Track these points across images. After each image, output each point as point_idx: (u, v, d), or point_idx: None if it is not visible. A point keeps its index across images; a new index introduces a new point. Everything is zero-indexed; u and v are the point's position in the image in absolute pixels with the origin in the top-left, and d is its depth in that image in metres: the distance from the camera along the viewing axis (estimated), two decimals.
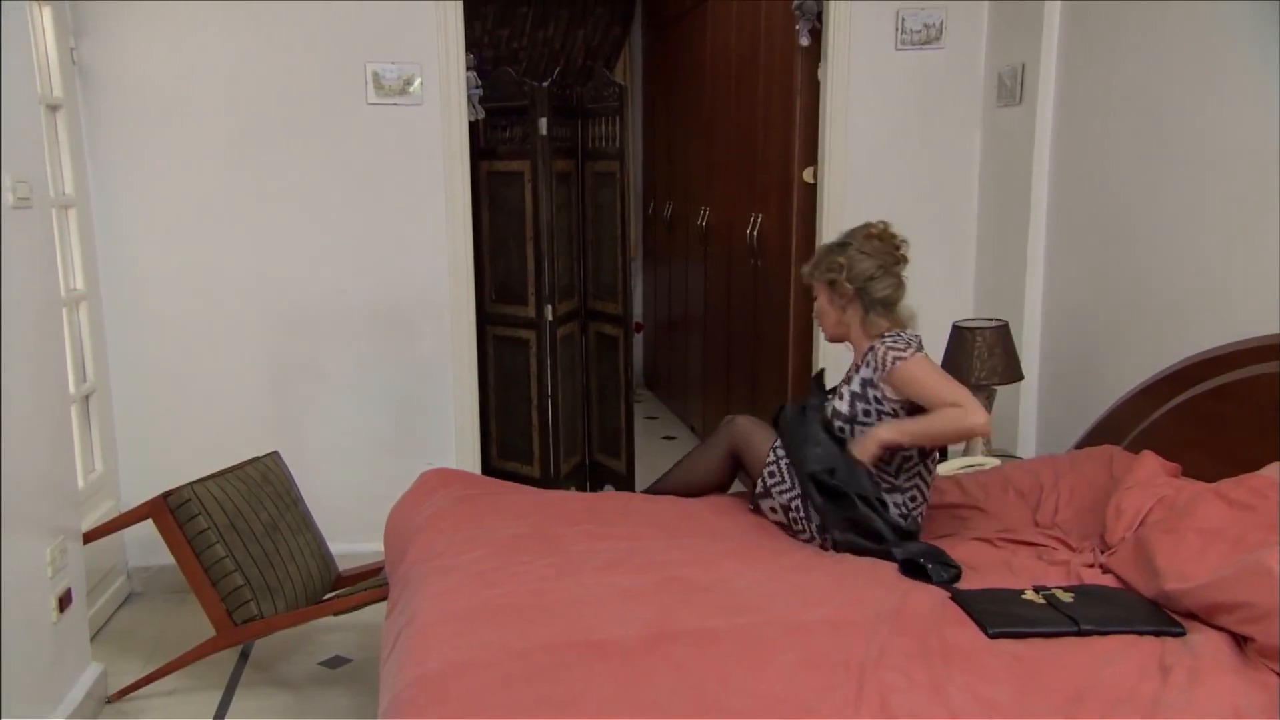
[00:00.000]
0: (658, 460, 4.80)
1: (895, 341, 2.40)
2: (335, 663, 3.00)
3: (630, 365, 4.23)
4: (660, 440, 5.29)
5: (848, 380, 2.51)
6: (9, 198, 2.25)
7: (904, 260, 2.49)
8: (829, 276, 2.48)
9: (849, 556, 2.32)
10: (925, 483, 2.46)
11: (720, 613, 1.95)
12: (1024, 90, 3.32)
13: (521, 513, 2.52)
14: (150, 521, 2.69)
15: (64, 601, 2.51)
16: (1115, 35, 2.95)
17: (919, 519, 2.45)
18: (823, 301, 2.54)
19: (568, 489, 4.04)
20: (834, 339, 2.57)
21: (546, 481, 4.09)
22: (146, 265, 3.34)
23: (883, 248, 2.46)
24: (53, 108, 3.02)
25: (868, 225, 2.53)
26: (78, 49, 3.16)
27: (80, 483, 3.00)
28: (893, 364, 2.36)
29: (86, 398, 3.22)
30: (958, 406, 2.27)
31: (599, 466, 4.45)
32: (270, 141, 3.34)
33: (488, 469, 3.95)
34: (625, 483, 4.26)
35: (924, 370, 2.35)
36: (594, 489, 4.38)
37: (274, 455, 3.04)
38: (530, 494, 2.78)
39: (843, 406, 2.47)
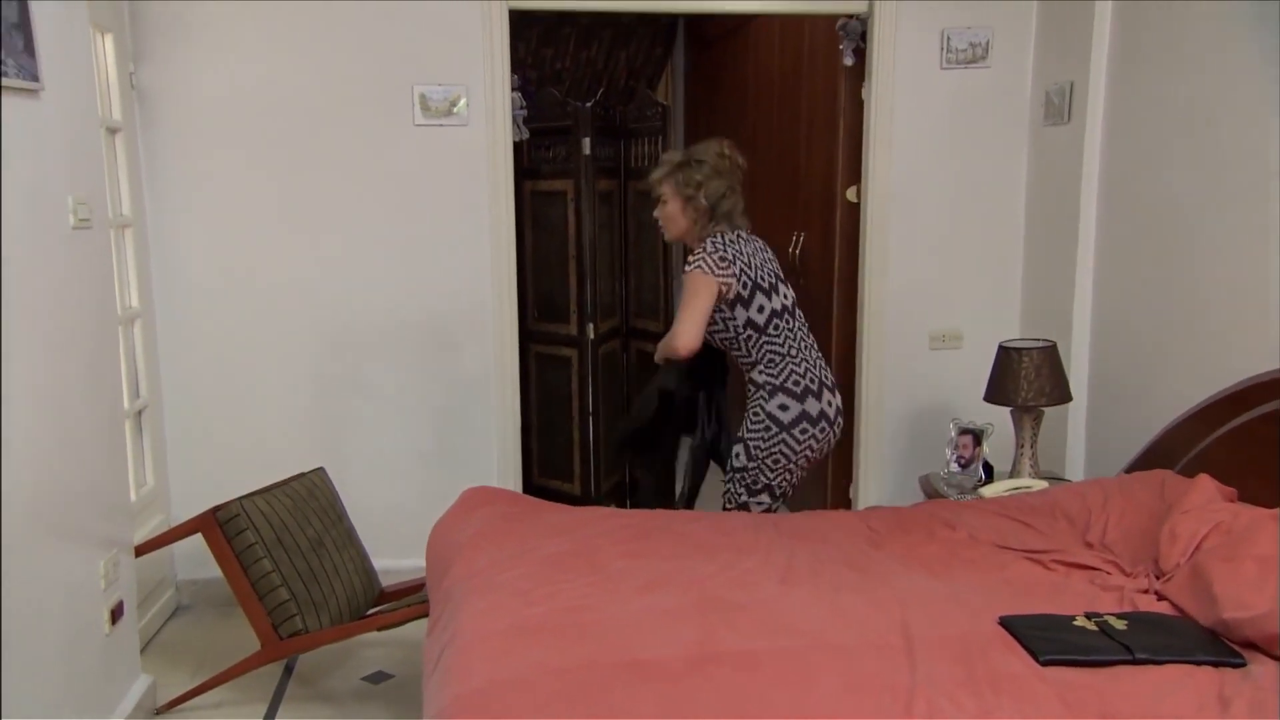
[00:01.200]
0: None
1: (706, 248, 2.79)
2: (377, 678, 3.01)
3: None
4: None
5: None
6: (71, 219, 2.31)
7: (742, 176, 2.91)
8: (686, 192, 2.85)
9: (889, 575, 2.29)
10: (778, 349, 2.83)
11: (762, 634, 1.93)
12: (1072, 108, 3.28)
13: (563, 531, 2.52)
14: (199, 535, 2.74)
15: (116, 614, 2.56)
16: (1167, 51, 2.91)
17: (790, 376, 2.82)
18: (674, 209, 2.90)
19: (607, 507, 4.03)
20: (675, 240, 3.01)
21: (586, 499, 4.10)
22: (198, 283, 3.41)
23: (731, 168, 2.87)
24: (112, 130, 3.11)
25: (719, 143, 2.91)
26: (136, 73, 3.25)
27: (132, 496, 3.05)
28: (687, 267, 2.80)
29: (139, 413, 3.29)
30: (674, 328, 2.77)
31: (639, 485, 4.44)
32: (319, 162, 3.40)
33: (528, 486, 3.96)
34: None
35: (690, 286, 2.77)
36: (633, 507, 4.37)
37: (320, 471, 3.07)
38: (571, 512, 2.78)
39: None
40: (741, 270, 2.79)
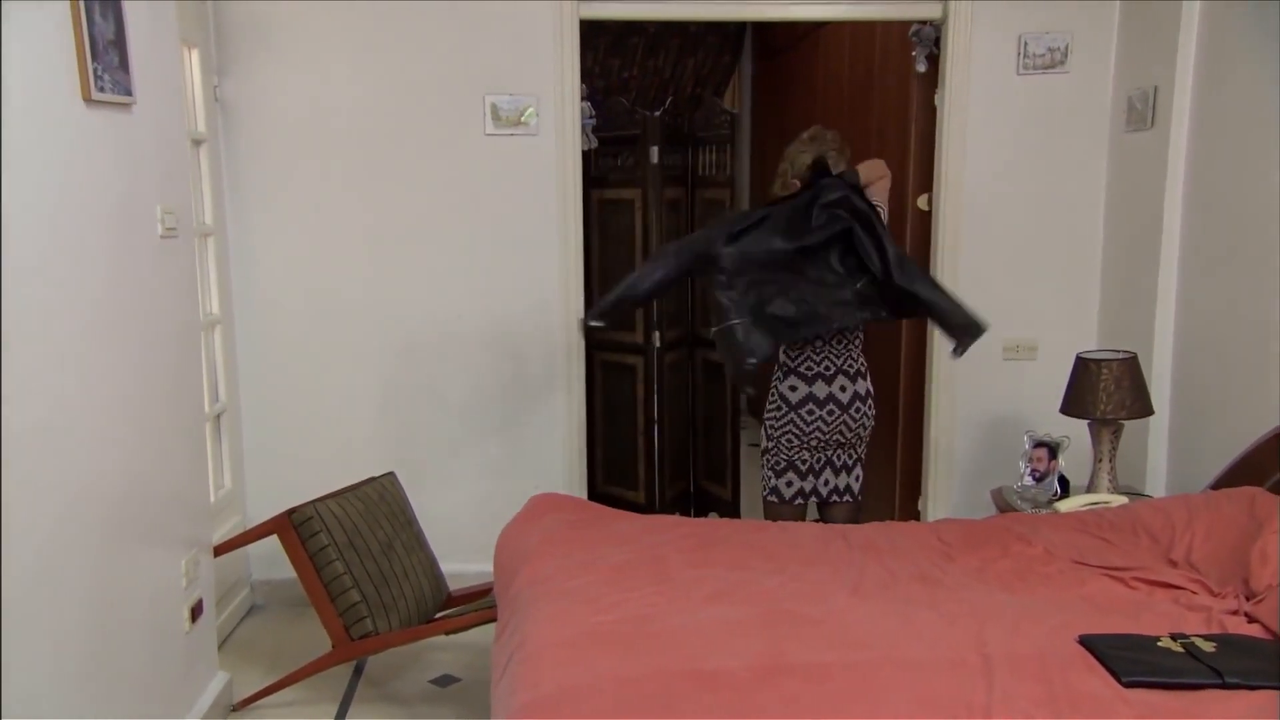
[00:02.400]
0: (760, 489, 4.76)
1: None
2: (444, 681, 3.05)
3: (738, 392, 4.21)
4: None
5: None
6: (159, 228, 2.39)
7: (838, 145, 3.00)
8: (779, 179, 3.00)
9: (962, 589, 2.24)
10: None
11: (832, 647, 1.91)
12: (1155, 114, 3.19)
13: (629, 539, 2.52)
14: (273, 536, 2.80)
15: (196, 612, 2.63)
16: (1257, 53, 2.81)
17: (806, 362, 2.95)
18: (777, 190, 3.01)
19: (673, 515, 4.02)
20: None
21: (650, 508, 4.09)
22: (275, 291, 3.49)
23: (816, 145, 2.96)
24: (197, 142, 3.21)
25: (810, 130, 3.04)
26: (220, 86, 3.35)
27: (211, 498, 3.14)
28: None
29: (218, 417, 3.38)
30: None
31: (704, 493, 4.43)
32: (393, 173, 3.46)
33: (592, 493, 3.98)
34: (730, 510, 4.23)
35: None
36: (698, 516, 4.36)
37: (390, 475, 3.12)
38: (637, 520, 2.78)
39: None
40: None
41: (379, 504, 2.95)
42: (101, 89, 2.06)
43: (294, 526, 2.75)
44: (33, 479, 1.85)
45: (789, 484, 3.02)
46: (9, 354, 1.77)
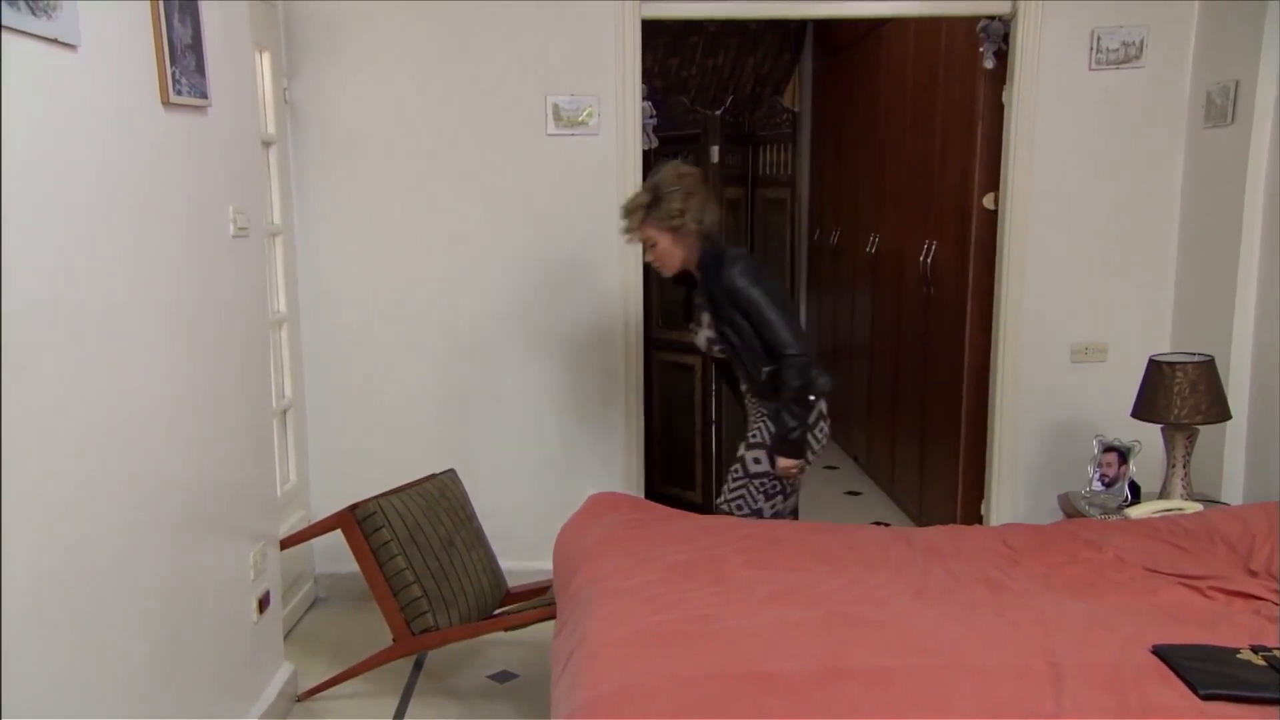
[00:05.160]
0: (818, 489, 4.71)
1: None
2: (502, 677, 3.07)
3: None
4: (822, 470, 5.18)
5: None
6: (230, 228, 2.45)
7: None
8: (674, 224, 2.76)
9: (1029, 595, 2.19)
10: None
11: (893, 652, 1.88)
12: (1236, 109, 3.09)
13: (687, 539, 2.51)
14: (337, 531, 2.85)
15: (263, 603, 2.68)
16: None
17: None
18: (666, 245, 2.81)
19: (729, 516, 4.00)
20: (675, 272, 2.90)
21: (707, 507, 4.07)
22: (340, 290, 3.55)
23: (693, 181, 2.79)
24: (267, 144, 3.27)
25: (672, 166, 2.83)
26: (289, 89, 3.42)
27: (277, 492, 3.20)
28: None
29: (284, 413, 3.45)
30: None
31: None
32: (456, 173, 3.50)
33: (650, 492, 3.97)
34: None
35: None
36: None
37: (451, 473, 3.16)
38: (695, 520, 2.77)
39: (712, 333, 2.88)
40: None
41: (440, 500, 2.98)
42: (179, 92, 2.11)
43: (357, 521, 2.79)
44: (113, 475, 1.91)
45: (773, 507, 2.95)
46: (91, 352, 1.82)
